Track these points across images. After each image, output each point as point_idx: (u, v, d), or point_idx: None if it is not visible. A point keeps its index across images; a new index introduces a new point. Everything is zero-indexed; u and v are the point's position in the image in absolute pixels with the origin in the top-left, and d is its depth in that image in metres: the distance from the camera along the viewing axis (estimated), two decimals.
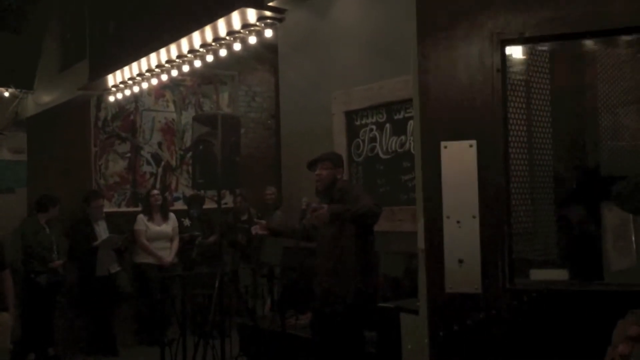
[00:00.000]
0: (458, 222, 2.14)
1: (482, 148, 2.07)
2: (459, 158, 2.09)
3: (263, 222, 4.56)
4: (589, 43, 2.28)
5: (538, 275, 2.12)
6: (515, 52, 2.22)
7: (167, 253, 6.94)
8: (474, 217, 2.10)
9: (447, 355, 2.21)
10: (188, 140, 7.87)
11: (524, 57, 2.28)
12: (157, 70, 5.97)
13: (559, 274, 2.13)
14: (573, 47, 2.30)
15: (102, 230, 6.64)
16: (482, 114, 2.08)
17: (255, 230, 4.48)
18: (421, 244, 2.85)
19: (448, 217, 2.16)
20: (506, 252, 2.10)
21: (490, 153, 2.07)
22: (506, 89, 2.12)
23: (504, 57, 2.11)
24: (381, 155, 5.40)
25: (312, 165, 4.16)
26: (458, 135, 2.10)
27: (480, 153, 2.08)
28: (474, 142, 2.08)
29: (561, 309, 2.03)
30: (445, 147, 2.13)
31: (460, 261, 2.13)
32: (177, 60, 5.55)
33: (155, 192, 7.11)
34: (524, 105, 2.26)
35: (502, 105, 2.10)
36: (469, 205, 2.11)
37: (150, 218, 6.94)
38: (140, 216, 6.95)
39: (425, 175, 2.19)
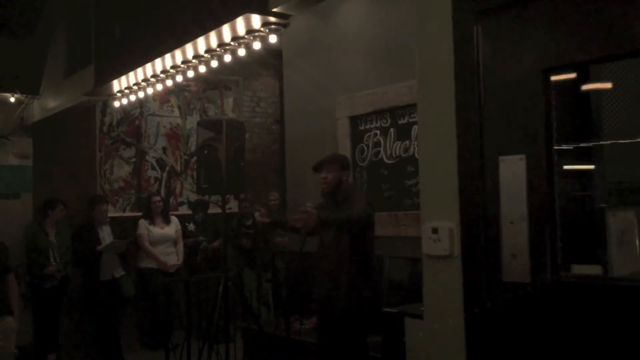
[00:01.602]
0: (512, 222, 2.53)
1: (529, 161, 2.49)
2: (512, 169, 2.53)
3: (264, 210, 4.61)
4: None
5: (578, 269, 2.45)
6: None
7: (172, 257, 6.93)
8: (524, 219, 2.49)
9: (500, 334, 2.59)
10: (193, 146, 7.89)
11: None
12: (162, 75, 5.98)
13: (594, 269, 2.45)
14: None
15: (106, 235, 6.65)
16: (530, 132, 2.50)
17: (257, 215, 4.55)
18: (425, 248, 2.86)
19: (504, 219, 2.55)
20: (548, 249, 2.45)
21: (536, 165, 2.48)
22: (550, 112, 2.48)
23: (547, 85, 2.48)
24: (385, 160, 5.40)
25: (318, 167, 4.16)
26: (511, 150, 2.54)
27: (528, 165, 2.49)
28: (523, 156, 2.49)
29: (596, 300, 2.35)
30: (502, 161, 2.56)
31: (514, 255, 2.51)
32: (182, 65, 5.56)
33: (157, 198, 7.11)
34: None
35: (546, 126, 2.47)
36: (520, 209, 2.50)
37: (152, 222, 6.94)
38: (142, 220, 6.95)
39: (486, 184, 2.63)
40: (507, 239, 2.55)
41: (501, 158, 2.56)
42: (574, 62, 2.45)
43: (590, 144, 2.81)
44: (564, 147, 2.52)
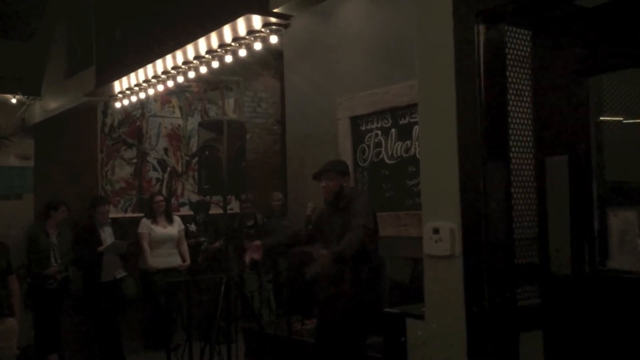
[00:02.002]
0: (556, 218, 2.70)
1: (571, 162, 2.66)
2: (557, 169, 2.71)
3: (257, 242, 4.31)
4: None
5: (613, 264, 2.60)
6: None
7: (175, 258, 6.92)
8: (567, 215, 2.67)
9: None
10: (194, 146, 7.89)
11: None
12: (163, 76, 5.98)
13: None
14: None
15: (107, 236, 6.65)
16: (572, 136, 2.67)
17: (250, 257, 4.24)
18: (426, 249, 2.86)
19: (551, 214, 2.72)
20: (587, 244, 2.62)
21: (577, 166, 2.65)
22: (588, 117, 2.64)
23: (587, 92, 2.66)
24: (386, 160, 5.40)
25: (317, 176, 4.15)
26: (556, 151, 2.72)
27: (570, 165, 2.66)
28: (565, 157, 2.67)
29: (632, 293, 2.49)
30: (549, 161, 2.74)
31: (557, 251, 2.69)
32: (183, 66, 5.56)
33: (159, 198, 7.11)
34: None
35: (586, 131, 2.65)
36: (564, 206, 2.67)
37: (154, 221, 6.93)
38: (144, 220, 6.95)
39: (537, 183, 2.80)
40: (552, 234, 2.71)
41: (547, 159, 2.74)
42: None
43: None
44: None
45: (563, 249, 2.66)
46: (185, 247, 7.02)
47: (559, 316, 2.69)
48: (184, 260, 6.91)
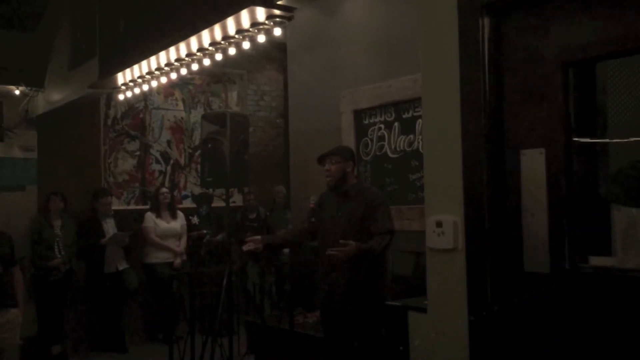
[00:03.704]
0: (532, 214, 2.55)
1: (548, 155, 2.50)
2: (533, 163, 2.56)
3: (258, 237, 4.38)
4: None
5: (596, 261, 2.47)
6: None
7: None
8: (543, 211, 2.51)
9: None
10: (197, 139, 7.90)
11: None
12: (166, 68, 5.97)
13: (613, 261, 2.45)
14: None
15: (110, 228, 6.67)
16: (549, 127, 2.51)
17: (248, 247, 4.29)
18: (429, 242, 2.86)
19: (525, 211, 2.57)
20: (567, 240, 2.47)
21: (555, 159, 2.49)
22: (568, 106, 2.49)
23: (565, 79, 2.49)
24: (389, 154, 5.39)
25: (321, 159, 4.16)
26: (532, 144, 2.56)
27: (547, 159, 2.50)
28: (543, 149, 2.51)
29: (613, 291, 2.38)
30: (524, 154, 2.58)
31: (535, 247, 2.55)
32: (187, 58, 5.55)
33: (165, 190, 7.14)
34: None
35: (566, 121, 2.49)
36: (540, 201, 2.52)
37: (159, 215, 6.95)
38: (149, 214, 6.96)
39: (508, 178, 2.65)
40: (528, 231, 2.57)
41: (522, 152, 2.58)
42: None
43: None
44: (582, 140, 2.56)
45: (540, 247, 2.53)
46: (184, 241, 7.04)
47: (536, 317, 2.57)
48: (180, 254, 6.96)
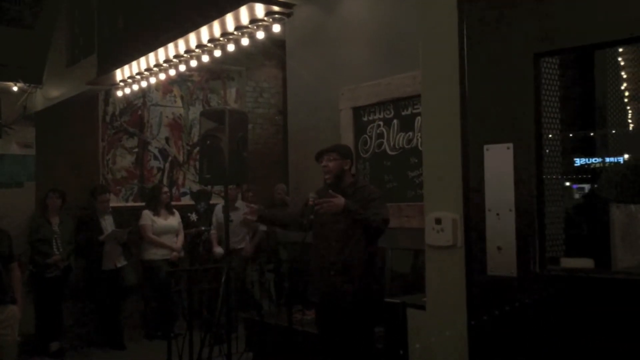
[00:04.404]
0: (497, 214, 2.46)
1: (517, 150, 2.40)
2: (499, 159, 2.44)
3: (254, 206, 4.46)
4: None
5: (568, 263, 2.39)
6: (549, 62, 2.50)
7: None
8: (510, 210, 2.42)
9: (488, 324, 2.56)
10: (195, 136, 7.89)
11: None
12: (165, 65, 5.98)
13: (586, 263, 2.38)
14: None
15: (108, 225, 6.66)
16: (518, 121, 2.41)
17: (246, 215, 4.40)
18: (428, 239, 2.86)
19: (489, 210, 2.48)
20: (537, 242, 2.38)
21: (524, 154, 2.39)
22: (540, 98, 2.39)
23: (538, 70, 2.40)
24: (388, 151, 5.39)
25: (319, 156, 4.16)
26: (497, 139, 2.45)
27: (516, 154, 2.40)
28: (510, 144, 2.40)
29: (585, 294, 2.30)
30: (488, 149, 2.47)
31: (499, 248, 2.44)
32: (185, 55, 5.55)
33: (166, 189, 7.14)
34: (556, 112, 2.55)
35: (535, 114, 2.38)
36: (506, 200, 2.43)
37: (156, 213, 6.94)
38: (146, 211, 6.95)
39: (471, 174, 2.55)
40: (491, 230, 2.47)
41: (486, 147, 2.49)
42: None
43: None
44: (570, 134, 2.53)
45: (506, 248, 2.42)
46: (181, 238, 7.04)
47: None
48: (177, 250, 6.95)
